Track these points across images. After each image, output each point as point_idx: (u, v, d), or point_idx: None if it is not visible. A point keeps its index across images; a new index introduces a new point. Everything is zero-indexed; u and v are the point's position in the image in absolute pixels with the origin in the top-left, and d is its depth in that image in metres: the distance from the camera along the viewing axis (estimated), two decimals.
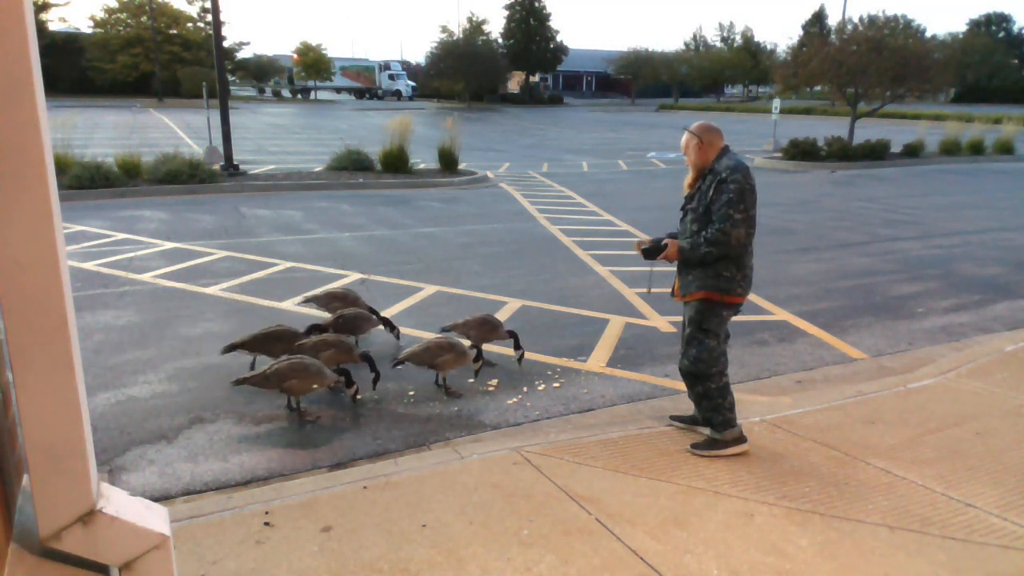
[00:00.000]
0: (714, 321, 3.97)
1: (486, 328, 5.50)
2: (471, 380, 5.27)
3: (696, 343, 4.01)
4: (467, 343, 5.27)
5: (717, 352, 4.01)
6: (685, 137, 4.02)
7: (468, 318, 5.56)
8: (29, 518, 1.32)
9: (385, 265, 8.59)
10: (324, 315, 5.90)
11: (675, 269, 4.17)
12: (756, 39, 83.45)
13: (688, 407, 4.42)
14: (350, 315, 5.60)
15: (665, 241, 4.06)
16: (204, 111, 17.73)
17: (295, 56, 61.67)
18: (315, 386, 4.64)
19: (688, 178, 4.10)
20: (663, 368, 5.55)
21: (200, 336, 6.07)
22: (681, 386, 5.18)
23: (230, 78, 55.62)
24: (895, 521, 3.36)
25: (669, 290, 4.31)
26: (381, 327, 5.85)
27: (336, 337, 5.13)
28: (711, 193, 3.82)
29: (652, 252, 4.09)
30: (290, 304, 6.98)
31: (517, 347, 5.45)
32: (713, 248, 3.79)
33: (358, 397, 4.84)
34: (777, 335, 6.46)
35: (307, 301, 6.23)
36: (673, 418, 4.51)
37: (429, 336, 5.68)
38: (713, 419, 4.05)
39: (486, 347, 5.57)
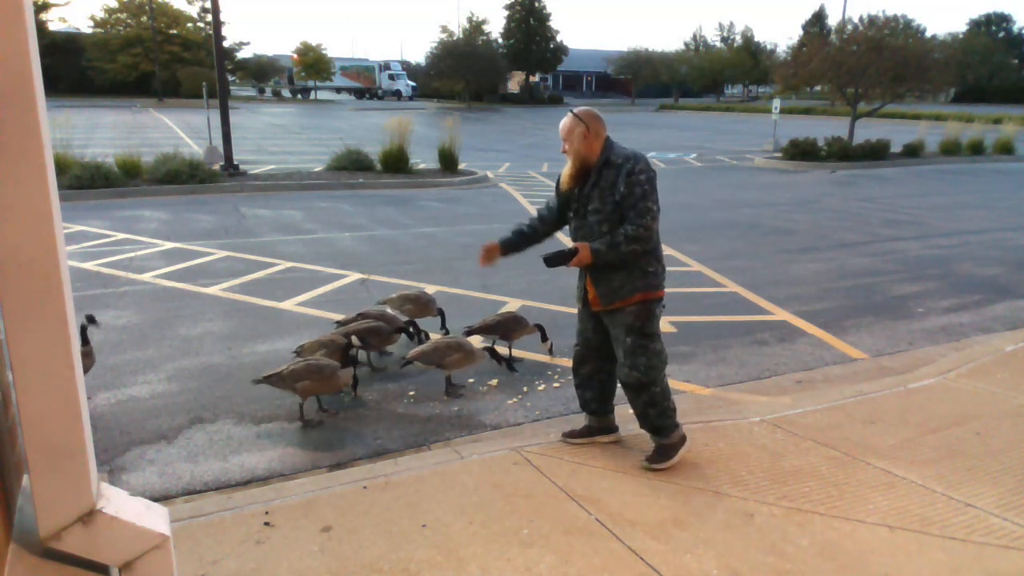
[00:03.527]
0: (653, 322, 3.72)
1: (519, 325, 5.51)
2: (471, 380, 5.27)
3: (643, 351, 3.69)
4: (477, 345, 5.25)
5: (665, 354, 3.78)
6: (569, 121, 3.63)
7: (488, 318, 5.54)
8: (29, 518, 1.32)
9: (385, 265, 8.59)
10: (324, 316, 5.87)
11: (578, 276, 3.88)
12: (756, 39, 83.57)
13: (589, 419, 4.14)
14: (361, 329, 5.27)
15: (574, 246, 3.66)
16: (204, 111, 17.73)
17: (295, 56, 61.66)
18: (328, 389, 4.62)
19: (568, 169, 3.71)
20: None
21: (200, 336, 6.07)
22: (680, 386, 5.20)
23: (230, 78, 55.58)
24: (895, 521, 3.36)
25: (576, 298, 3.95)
26: (403, 336, 5.54)
27: (329, 337, 5.10)
28: (622, 188, 3.53)
29: (556, 260, 3.63)
30: (290, 304, 6.98)
31: (544, 339, 5.54)
32: (637, 245, 3.53)
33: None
34: (777, 335, 6.45)
35: (381, 304, 5.97)
36: (567, 435, 4.12)
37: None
38: (665, 424, 3.80)
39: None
